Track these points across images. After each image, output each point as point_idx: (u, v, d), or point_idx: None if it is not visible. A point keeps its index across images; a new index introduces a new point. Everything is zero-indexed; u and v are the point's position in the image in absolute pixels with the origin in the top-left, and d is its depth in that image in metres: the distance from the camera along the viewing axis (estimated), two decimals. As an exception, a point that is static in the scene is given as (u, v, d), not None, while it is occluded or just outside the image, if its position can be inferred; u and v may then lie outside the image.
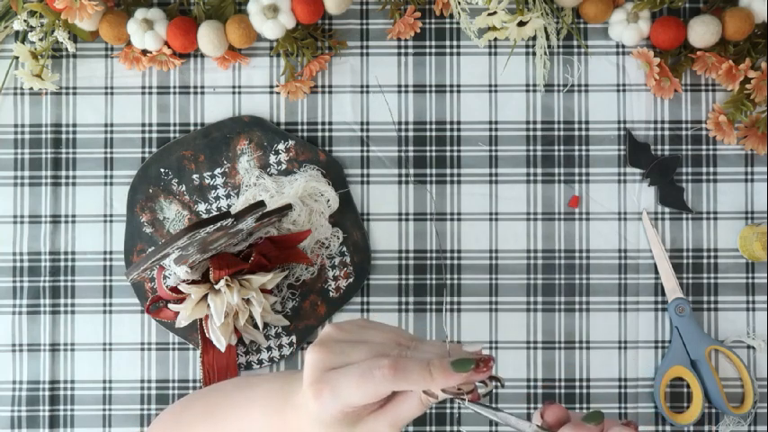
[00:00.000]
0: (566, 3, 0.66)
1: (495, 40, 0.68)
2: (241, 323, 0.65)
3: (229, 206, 0.68)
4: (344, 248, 0.68)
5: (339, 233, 0.68)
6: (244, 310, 0.64)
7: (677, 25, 0.65)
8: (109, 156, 0.69)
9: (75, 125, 0.69)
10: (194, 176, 0.68)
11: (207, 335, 0.65)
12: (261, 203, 0.60)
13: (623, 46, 0.69)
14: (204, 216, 0.68)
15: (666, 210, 0.69)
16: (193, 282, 0.63)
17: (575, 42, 0.69)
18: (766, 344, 0.68)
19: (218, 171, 0.68)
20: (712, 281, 0.68)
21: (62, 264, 0.69)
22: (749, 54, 0.66)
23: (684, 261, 0.68)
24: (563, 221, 0.69)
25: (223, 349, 0.64)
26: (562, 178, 0.69)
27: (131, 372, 0.68)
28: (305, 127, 0.69)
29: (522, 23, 0.63)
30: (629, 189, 0.69)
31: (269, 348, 0.68)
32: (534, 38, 0.68)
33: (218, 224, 0.56)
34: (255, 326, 0.67)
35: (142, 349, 0.69)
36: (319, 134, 0.69)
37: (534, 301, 0.68)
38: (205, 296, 0.63)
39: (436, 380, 0.40)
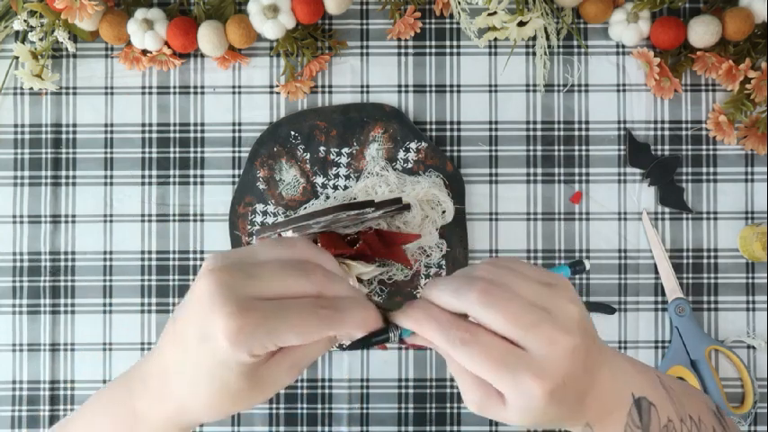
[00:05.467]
0: (566, 3, 0.66)
1: (495, 40, 0.68)
2: None
3: (346, 187, 0.68)
4: (443, 262, 0.68)
5: (443, 246, 0.67)
6: None
7: (677, 25, 0.65)
8: (109, 156, 0.69)
9: (75, 125, 0.69)
10: (321, 148, 0.68)
11: None
12: (399, 200, 0.60)
13: (623, 46, 0.69)
14: (319, 189, 0.68)
15: (666, 210, 0.69)
16: None
17: (575, 42, 0.69)
18: (766, 344, 0.68)
19: (345, 150, 0.68)
20: (712, 281, 0.68)
21: (62, 264, 0.69)
22: (749, 54, 0.66)
23: (684, 261, 0.68)
24: (563, 221, 0.69)
25: None
26: (562, 178, 0.69)
27: (131, 372, 0.68)
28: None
29: (522, 23, 0.63)
30: (629, 189, 0.69)
31: None
32: (534, 38, 0.68)
33: (361, 210, 0.56)
34: None
35: (142, 349, 0.69)
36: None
37: (534, 301, 0.68)
38: None
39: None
